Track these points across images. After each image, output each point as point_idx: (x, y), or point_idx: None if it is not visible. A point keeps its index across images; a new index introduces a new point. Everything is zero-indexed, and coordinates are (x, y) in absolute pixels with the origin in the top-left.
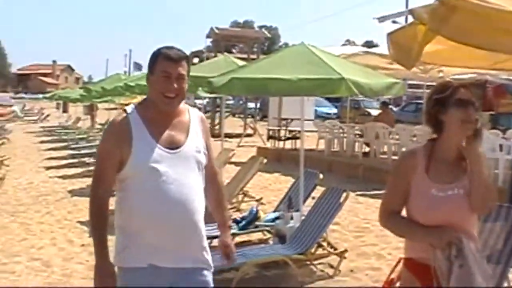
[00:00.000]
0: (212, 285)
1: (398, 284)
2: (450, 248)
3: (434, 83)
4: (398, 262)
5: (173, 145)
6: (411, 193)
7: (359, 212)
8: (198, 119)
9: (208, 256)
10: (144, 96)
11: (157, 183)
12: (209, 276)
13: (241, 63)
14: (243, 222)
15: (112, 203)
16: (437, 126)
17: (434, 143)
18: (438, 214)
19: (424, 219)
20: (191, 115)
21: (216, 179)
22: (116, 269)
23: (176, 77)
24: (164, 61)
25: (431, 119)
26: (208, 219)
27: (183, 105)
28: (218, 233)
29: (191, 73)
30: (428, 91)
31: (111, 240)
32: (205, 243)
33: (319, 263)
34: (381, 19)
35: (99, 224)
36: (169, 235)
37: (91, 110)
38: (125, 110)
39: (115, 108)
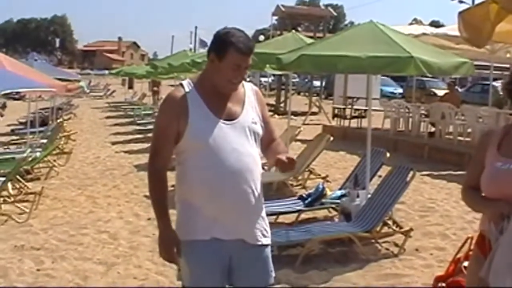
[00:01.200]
0: (271, 261)
1: (464, 264)
2: (503, 221)
3: (500, 64)
4: (465, 242)
5: (229, 117)
6: (485, 168)
7: (424, 192)
8: (253, 92)
9: (268, 227)
10: None
11: (215, 153)
12: (268, 250)
13: (309, 40)
14: (309, 199)
15: (172, 176)
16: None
17: None
18: (497, 187)
19: (487, 192)
20: (246, 89)
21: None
22: None
23: (244, 68)
24: (236, 53)
25: (508, 95)
26: (272, 196)
27: None
28: (282, 210)
29: (258, 50)
30: (494, 72)
31: (173, 214)
32: (264, 213)
33: (384, 242)
34: None
35: (159, 196)
36: (230, 205)
37: (153, 86)
38: (181, 85)
39: None
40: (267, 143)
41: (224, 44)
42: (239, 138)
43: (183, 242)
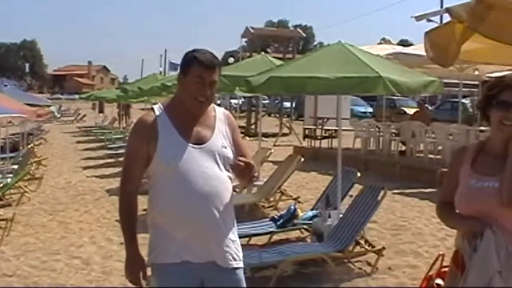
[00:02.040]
0: (244, 283)
1: (436, 281)
2: (476, 239)
3: (469, 81)
4: (437, 259)
5: (198, 141)
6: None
7: (396, 210)
8: (224, 116)
9: (240, 250)
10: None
11: (183, 177)
12: (241, 274)
13: (278, 62)
14: (281, 220)
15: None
16: (487, 120)
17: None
18: (472, 204)
19: (461, 209)
20: (217, 113)
21: None
22: (150, 267)
23: (209, 83)
24: (199, 66)
25: (481, 113)
26: (244, 217)
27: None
28: (255, 231)
29: (228, 73)
30: (463, 89)
31: (146, 238)
32: (236, 236)
33: (357, 261)
34: (419, 17)
35: (128, 219)
36: (199, 228)
37: (122, 109)
38: (152, 109)
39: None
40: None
41: (189, 60)
42: (208, 162)
43: (155, 265)
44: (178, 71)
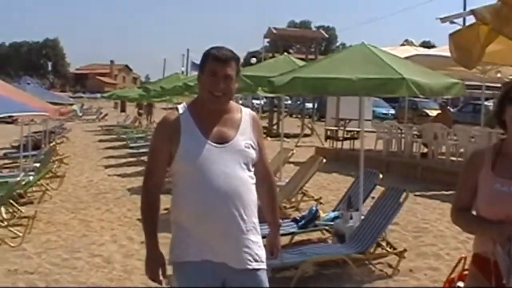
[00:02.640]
0: (267, 284)
1: (458, 284)
2: (510, 242)
3: (492, 84)
4: (459, 261)
5: (221, 140)
6: (478, 189)
7: (418, 212)
8: (250, 118)
9: (262, 251)
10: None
11: (203, 175)
12: (263, 275)
13: (301, 63)
14: (303, 221)
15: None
16: (503, 124)
17: (504, 140)
18: (500, 208)
19: (487, 214)
20: (243, 114)
21: (268, 177)
22: (171, 265)
23: (223, 77)
24: (213, 61)
25: (496, 118)
26: (261, 218)
27: (235, 104)
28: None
29: (250, 73)
30: (486, 91)
31: (166, 237)
32: (258, 237)
33: (378, 263)
34: (444, 19)
35: (149, 217)
36: (218, 228)
37: (142, 108)
38: (176, 108)
39: (173, 108)
40: (258, 172)
41: (204, 57)
42: (230, 161)
43: (175, 264)
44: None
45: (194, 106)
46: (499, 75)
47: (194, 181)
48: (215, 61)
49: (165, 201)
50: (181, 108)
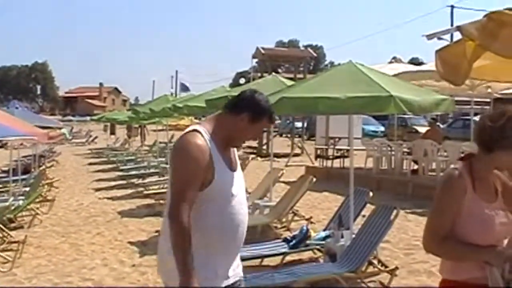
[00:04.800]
0: None
1: None
2: (505, 265)
3: (481, 99)
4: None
5: (234, 168)
6: (462, 214)
7: (409, 229)
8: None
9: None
10: (192, 117)
11: (230, 203)
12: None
13: (289, 82)
14: (294, 241)
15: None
16: (486, 148)
17: (471, 161)
18: (492, 233)
19: (478, 239)
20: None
21: None
22: None
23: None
24: (268, 121)
25: (481, 142)
26: (257, 238)
27: None
28: (267, 252)
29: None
30: (475, 107)
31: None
32: None
33: (370, 281)
34: (430, 36)
35: (185, 243)
36: (235, 249)
37: (131, 130)
38: (200, 132)
39: (163, 130)
40: None
41: (264, 111)
42: (241, 187)
43: None
44: (241, 108)
45: (215, 135)
46: (489, 90)
47: (222, 207)
48: (269, 123)
49: (155, 223)
50: (204, 134)
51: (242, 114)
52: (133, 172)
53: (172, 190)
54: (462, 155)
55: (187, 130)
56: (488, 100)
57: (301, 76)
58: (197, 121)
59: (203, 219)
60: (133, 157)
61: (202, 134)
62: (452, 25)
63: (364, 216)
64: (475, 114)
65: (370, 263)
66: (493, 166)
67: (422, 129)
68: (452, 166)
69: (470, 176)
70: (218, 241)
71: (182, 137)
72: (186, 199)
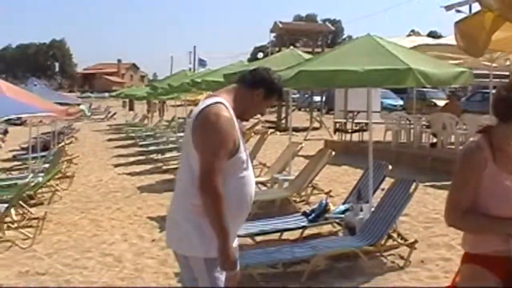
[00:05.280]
0: None
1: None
2: None
3: (500, 72)
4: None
5: (244, 138)
6: (483, 186)
7: (428, 203)
8: None
9: None
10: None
11: (247, 173)
12: None
13: (307, 56)
14: (313, 215)
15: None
16: (504, 118)
17: (490, 132)
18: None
19: (501, 211)
20: None
21: None
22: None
23: None
24: (278, 98)
25: (498, 112)
26: (276, 212)
27: None
28: (286, 226)
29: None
30: (494, 80)
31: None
32: None
33: (390, 255)
34: (448, 7)
35: (223, 210)
36: (246, 216)
37: (150, 106)
38: (224, 105)
39: (181, 105)
40: None
41: (276, 89)
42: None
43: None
44: (256, 84)
45: (233, 108)
46: (508, 62)
47: (242, 176)
48: (279, 100)
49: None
50: (228, 106)
51: (259, 90)
52: (152, 148)
53: (203, 161)
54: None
55: (209, 102)
56: (507, 73)
57: (319, 50)
58: (210, 93)
59: (224, 187)
60: (152, 133)
61: (227, 107)
62: None
63: (383, 189)
64: (494, 87)
65: (390, 237)
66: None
67: (441, 103)
68: (471, 139)
69: (489, 148)
70: (235, 208)
71: (208, 109)
72: (217, 169)
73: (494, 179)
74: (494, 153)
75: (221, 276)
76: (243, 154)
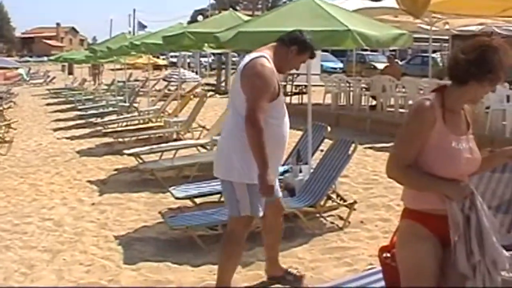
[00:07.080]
0: None
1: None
2: (464, 201)
3: (439, 36)
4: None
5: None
6: (429, 145)
7: (368, 164)
8: None
9: None
10: (150, 55)
11: (284, 118)
12: None
13: (246, 18)
14: None
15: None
16: (460, 81)
17: (443, 93)
18: (457, 167)
19: (443, 172)
20: None
21: None
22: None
23: None
24: (310, 56)
25: (454, 74)
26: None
27: None
28: None
29: (196, 29)
30: (434, 44)
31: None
32: None
33: (329, 215)
34: None
35: (263, 141)
36: (282, 156)
37: (93, 69)
38: (267, 58)
39: (121, 69)
40: None
41: (308, 47)
42: None
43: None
44: (291, 42)
45: (273, 62)
46: (447, 26)
47: (281, 120)
48: (311, 57)
49: (114, 161)
50: (269, 58)
51: (292, 47)
52: (92, 112)
53: (249, 101)
54: (421, 91)
55: (255, 55)
56: (446, 37)
57: (259, 13)
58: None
59: (265, 127)
60: (91, 97)
61: (269, 60)
62: None
63: (322, 151)
64: (433, 51)
65: (329, 198)
66: (466, 98)
67: (381, 66)
68: (420, 98)
69: (441, 107)
70: (273, 145)
71: (254, 60)
72: (261, 108)
73: (441, 139)
74: (444, 113)
75: (261, 200)
76: (281, 101)
